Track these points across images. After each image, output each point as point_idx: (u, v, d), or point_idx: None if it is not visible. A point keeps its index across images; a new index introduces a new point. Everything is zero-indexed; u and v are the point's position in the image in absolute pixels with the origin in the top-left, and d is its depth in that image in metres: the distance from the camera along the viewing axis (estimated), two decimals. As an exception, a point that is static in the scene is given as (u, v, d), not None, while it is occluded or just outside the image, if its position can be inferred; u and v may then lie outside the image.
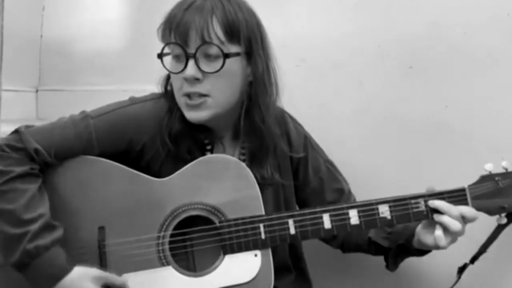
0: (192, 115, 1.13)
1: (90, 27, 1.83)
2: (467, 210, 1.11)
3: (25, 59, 1.94)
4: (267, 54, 1.18)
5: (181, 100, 1.14)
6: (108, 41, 1.81)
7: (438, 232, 1.11)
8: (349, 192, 1.34)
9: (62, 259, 1.02)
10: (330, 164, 1.34)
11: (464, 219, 1.11)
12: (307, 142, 1.31)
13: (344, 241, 1.33)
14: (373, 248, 1.26)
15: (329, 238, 1.34)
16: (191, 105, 1.12)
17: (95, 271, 1.04)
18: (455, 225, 1.09)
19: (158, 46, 1.15)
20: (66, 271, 1.01)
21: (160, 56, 1.14)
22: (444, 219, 1.10)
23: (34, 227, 1.01)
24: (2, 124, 1.50)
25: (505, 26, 1.33)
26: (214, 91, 1.11)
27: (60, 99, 1.87)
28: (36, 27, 1.96)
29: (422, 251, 1.19)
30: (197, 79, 1.10)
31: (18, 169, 1.05)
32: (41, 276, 1.01)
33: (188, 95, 1.12)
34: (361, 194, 1.33)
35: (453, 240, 1.12)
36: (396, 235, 1.21)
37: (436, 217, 1.11)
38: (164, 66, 1.14)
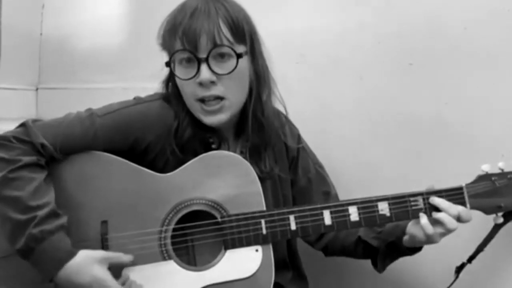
0: (212, 120, 1.14)
1: (90, 24, 1.83)
2: (465, 211, 1.13)
3: (25, 57, 1.93)
4: (262, 50, 1.20)
5: (195, 106, 1.14)
6: (108, 39, 1.81)
7: (424, 220, 1.12)
8: (336, 196, 1.34)
9: (67, 244, 1.03)
10: (319, 167, 1.35)
11: (459, 219, 1.12)
12: (300, 142, 1.33)
13: (329, 243, 1.32)
14: (360, 249, 1.26)
15: (313, 240, 1.34)
16: (210, 111, 1.13)
17: (100, 253, 1.05)
18: (451, 223, 1.11)
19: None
20: (71, 255, 1.02)
21: (169, 64, 1.14)
22: (442, 216, 1.11)
23: (41, 213, 1.02)
24: (2, 123, 1.50)
25: (505, 22, 1.33)
26: (229, 93, 1.13)
27: (60, 97, 1.86)
28: (36, 24, 1.95)
29: (413, 249, 1.19)
30: (212, 82, 1.11)
31: (26, 159, 1.06)
32: (46, 261, 1.01)
33: (202, 100, 1.13)
34: (359, 190, 1.33)
35: (444, 235, 1.13)
36: (386, 234, 1.22)
37: (434, 214, 1.13)
38: (174, 73, 1.14)
